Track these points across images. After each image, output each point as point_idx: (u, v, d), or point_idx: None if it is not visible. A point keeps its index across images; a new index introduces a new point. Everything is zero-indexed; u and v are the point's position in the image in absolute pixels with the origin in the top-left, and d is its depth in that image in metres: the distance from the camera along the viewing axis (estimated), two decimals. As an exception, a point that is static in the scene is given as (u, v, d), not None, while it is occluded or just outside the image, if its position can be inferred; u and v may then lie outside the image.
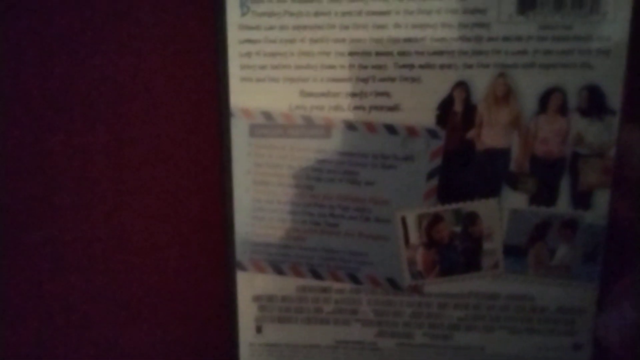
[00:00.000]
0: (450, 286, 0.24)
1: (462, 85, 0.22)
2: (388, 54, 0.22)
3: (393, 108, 0.22)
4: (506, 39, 0.21)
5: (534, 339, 0.24)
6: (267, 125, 0.23)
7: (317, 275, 0.24)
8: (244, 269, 0.25)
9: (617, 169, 0.22)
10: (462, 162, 0.23)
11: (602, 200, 0.22)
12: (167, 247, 0.26)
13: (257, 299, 0.25)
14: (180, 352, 0.27)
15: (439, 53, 0.22)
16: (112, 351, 0.27)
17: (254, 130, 0.23)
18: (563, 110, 0.22)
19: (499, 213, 0.23)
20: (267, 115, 0.23)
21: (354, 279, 0.24)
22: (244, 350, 0.26)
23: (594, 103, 0.21)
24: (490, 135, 0.22)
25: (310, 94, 0.23)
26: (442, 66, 0.22)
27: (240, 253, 0.25)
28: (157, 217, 0.25)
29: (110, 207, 0.25)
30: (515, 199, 0.23)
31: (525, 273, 0.23)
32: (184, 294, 0.26)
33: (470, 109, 0.22)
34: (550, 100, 0.22)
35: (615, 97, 0.21)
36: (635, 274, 0.22)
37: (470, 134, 0.22)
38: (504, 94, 0.22)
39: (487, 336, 0.24)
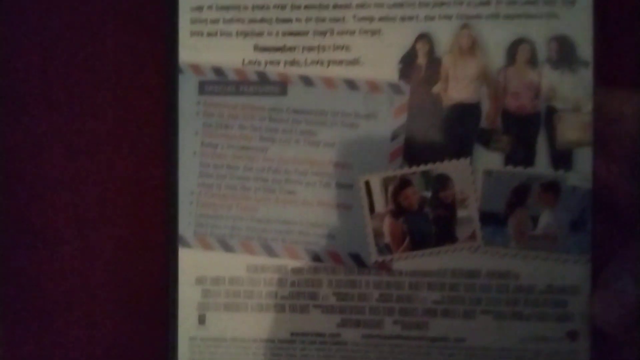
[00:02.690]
0: (423, 262, 0.21)
1: (424, 37, 0.21)
2: (346, 6, 0.21)
3: (353, 62, 0.21)
4: (468, -12, 0.20)
5: (521, 327, 0.20)
6: (218, 82, 0.22)
7: (271, 251, 0.21)
8: (187, 245, 0.22)
9: (596, 125, 0.20)
10: (428, 119, 0.21)
11: (584, 159, 0.20)
12: (102, 212, 0.23)
13: (200, 281, 0.22)
14: (104, 351, 0.23)
15: (399, 5, 0.21)
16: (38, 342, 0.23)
17: (204, 88, 0.22)
18: (532, 62, 0.20)
19: (472, 175, 0.21)
20: (218, 71, 0.22)
21: (314, 255, 0.21)
22: (183, 347, 0.22)
23: (564, 54, 0.20)
24: (458, 89, 0.21)
25: (264, 49, 0.21)
26: (402, 18, 0.21)
27: (184, 226, 0.22)
28: (91, 180, 0.23)
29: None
30: (489, 159, 0.21)
31: (507, 245, 0.20)
32: (117, 273, 0.23)
33: (434, 62, 0.21)
34: (517, 51, 0.20)
35: (586, 47, 0.20)
36: (631, 242, 0.20)
37: (436, 88, 0.21)
38: (469, 46, 0.21)
39: (467, 324, 0.21)
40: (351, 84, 0.21)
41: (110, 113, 0.22)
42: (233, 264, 0.21)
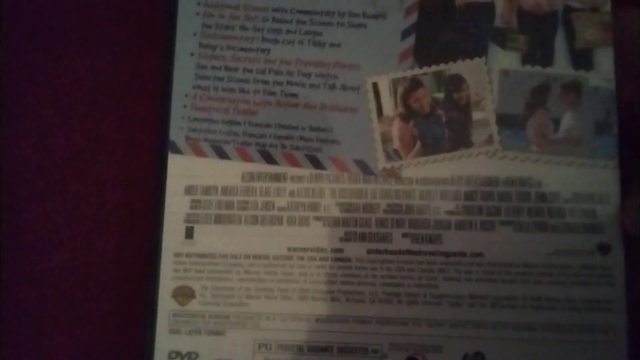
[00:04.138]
0: (435, 169, 0.19)
1: (435, -63, 0.20)
2: None
3: (361, -38, 0.20)
4: None
5: (546, 240, 0.18)
6: (220, -17, 0.21)
7: (269, 158, 0.20)
8: (177, 151, 0.20)
9: (616, 24, 0.19)
10: (440, 19, 0.20)
11: (605, 59, 0.19)
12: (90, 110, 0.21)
13: (190, 190, 0.20)
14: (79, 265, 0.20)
15: None
16: None
17: (205, -11, 0.21)
18: (547, -39, 0.20)
19: (488, 75, 0.19)
20: (221, -28, 0.21)
21: (315, 162, 0.19)
22: (166, 264, 0.19)
23: (579, -46, 0.20)
24: (470, -12, 0.20)
25: (269, -50, 0.21)
26: None
27: (175, 131, 0.20)
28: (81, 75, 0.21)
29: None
30: (505, 59, 0.19)
31: (527, 150, 0.19)
32: (103, 177, 0.20)
33: (445, -39, 0.20)
34: (532, -49, 0.20)
35: (601, -53, 0.19)
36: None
37: (448, -12, 0.20)
38: (482, -54, 0.20)
39: (485, 236, 0.19)
40: (359, -15, 0.20)
41: (106, 11, 0.21)
42: (227, 172, 0.20)
